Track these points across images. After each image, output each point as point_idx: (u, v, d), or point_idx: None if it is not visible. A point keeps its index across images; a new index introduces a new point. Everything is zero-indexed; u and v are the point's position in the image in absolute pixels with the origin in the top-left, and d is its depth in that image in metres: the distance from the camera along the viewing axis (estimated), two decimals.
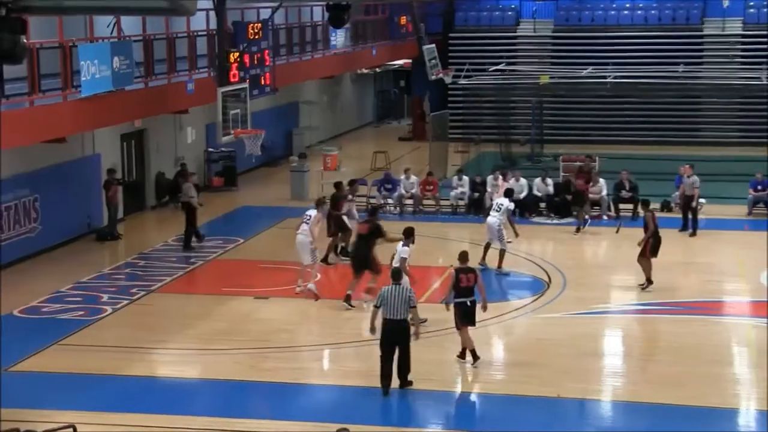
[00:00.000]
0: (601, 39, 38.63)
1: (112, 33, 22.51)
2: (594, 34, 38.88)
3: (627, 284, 20.31)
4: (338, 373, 16.20)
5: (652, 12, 39.32)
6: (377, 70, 43.95)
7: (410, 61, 41.23)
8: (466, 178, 27.29)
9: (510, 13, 40.68)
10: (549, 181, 26.93)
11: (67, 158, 23.29)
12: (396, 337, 14.62)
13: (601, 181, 26.44)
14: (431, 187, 27.45)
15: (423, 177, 27.84)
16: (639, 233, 20.05)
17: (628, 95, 35.83)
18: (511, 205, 21.73)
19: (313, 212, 19.82)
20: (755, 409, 14.50)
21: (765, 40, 36.22)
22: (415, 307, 14.74)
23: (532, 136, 35.88)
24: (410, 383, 14.83)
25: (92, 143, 24.43)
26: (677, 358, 16.39)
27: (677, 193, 25.68)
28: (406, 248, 17.48)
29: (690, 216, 24.56)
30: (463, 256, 16.13)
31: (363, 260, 18.73)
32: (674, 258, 21.58)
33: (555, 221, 26.07)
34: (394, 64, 44.02)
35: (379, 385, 14.68)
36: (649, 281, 19.71)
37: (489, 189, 26.30)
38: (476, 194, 26.79)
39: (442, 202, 27.28)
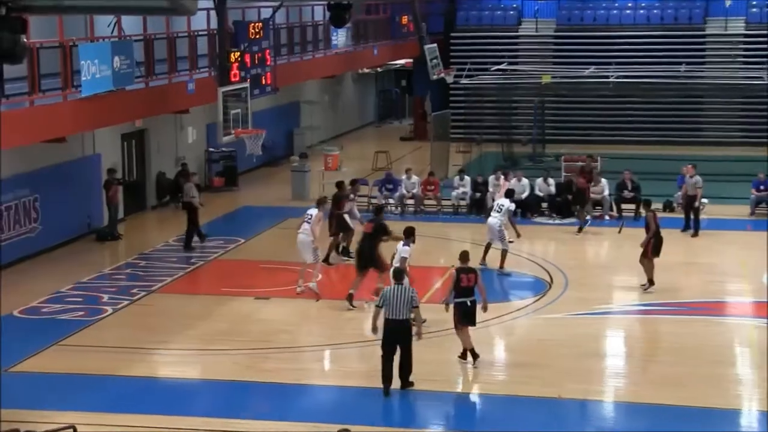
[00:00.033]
0: (603, 39, 38.57)
1: (112, 32, 22.45)
2: (596, 34, 38.84)
3: (629, 285, 20.25)
4: (339, 373, 16.16)
5: (655, 11, 39.27)
6: (378, 69, 43.92)
7: (412, 60, 41.21)
8: (467, 178, 27.24)
9: (512, 12, 40.63)
10: (551, 181, 26.87)
11: (67, 158, 23.25)
12: (398, 337, 14.58)
13: (603, 181, 26.38)
14: (432, 187, 27.40)
15: (424, 177, 27.79)
16: (641, 233, 19.99)
17: (631, 95, 35.79)
18: (512, 206, 21.68)
19: (314, 211, 19.79)
20: (757, 410, 14.44)
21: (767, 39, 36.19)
22: (417, 307, 14.71)
23: (534, 135, 35.84)
24: (411, 384, 14.79)
25: (92, 143, 24.39)
26: (679, 358, 16.35)
27: (680, 193, 25.62)
28: (406, 248, 17.46)
29: (692, 216, 24.51)
30: (464, 256, 16.10)
31: (368, 258, 18.76)
32: (676, 258, 21.52)
33: (557, 221, 26.02)
34: (396, 64, 43.99)
35: (380, 385, 14.64)
36: (651, 282, 19.64)
37: (490, 189, 26.24)
38: (478, 194, 26.73)
39: (444, 203, 27.23)
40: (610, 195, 26.33)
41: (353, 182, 24.07)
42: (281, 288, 19.98)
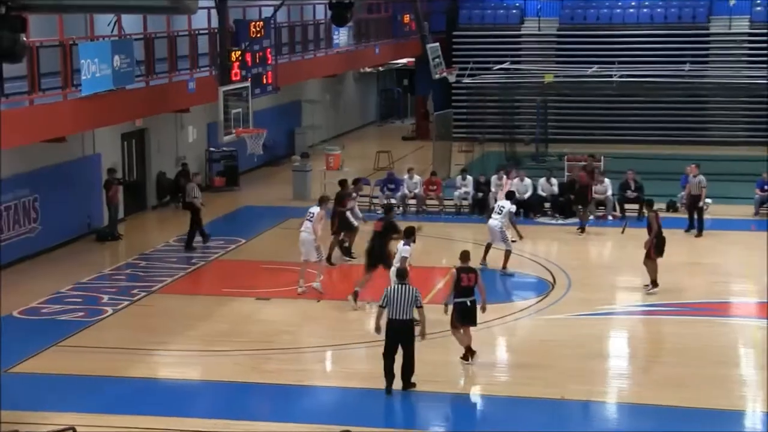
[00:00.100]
0: (607, 37, 38.49)
1: (112, 31, 22.40)
2: (599, 33, 38.75)
3: (632, 285, 20.16)
4: (341, 374, 16.07)
5: (658, 10, 39.17)
6: (380, 68, 43.85)
7: (414, 59, 41.13)
8: (470, 178, 27.15)
9: (514, 11, 40.55)
10: (554, 180, 26.78)
11: (67, 158, 23.17)
12: (400, 337, 14.52)
13: (606, 180, 26.29)
14: (434, 187, 27.31)
15: (426, 177, 27.71)
16: (644, 234, 19.88)
17: (634, 94, 35.71)
18: (513, 208, 21.58)
19: (316, 209, 19.71)
20: (761, 411, 14.34)
21: None
22: (421, 307, 14.64)
23: (537, 135, 35.77)
24: (413, 385, 14.71)
25: (92, 143, 24.31)
26: (682, 359, 16.27)
27: (683, 192, 25.51)
28: (407, 247, 17.44)
29: (696, 216, 24.41)
30: (465, 256, 16.04)
31: (378, 257, 18.74)
32: (680, 259, 21.44)
33: (559, 221, 25.92)
34: (398, 63, 43.92)
35: (382, 387, 14.58)
36: (655, 284, 19.52)
37: (493, 189, 26.14)
38: (480, 194, 26.64)
39: (446, 202, 27.14)
40: (613, 195, 26.23)
41: (356, 181, 24.03)
42: (282, 288, 19.90)
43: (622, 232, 22.89)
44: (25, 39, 10.33)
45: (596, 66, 33.60)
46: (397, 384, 14.64)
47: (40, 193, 22.29)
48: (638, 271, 20.05)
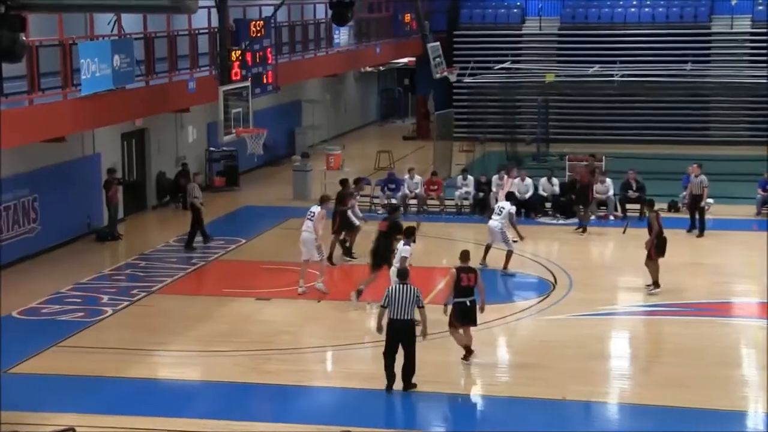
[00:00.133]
0: (608, 37, 38.46)
1: (112, 31, 22.36)
2: (600, 32, 38.73)
3: (634, 285, 20.11)
4: (341, 375, 16.02)
5: (660, 10, 39.13)
6: (381, 68, 43.82)
7: (414, 59, 41.09)
8: (470, 178, 27.11)
9: (515, 10, 40.52)
10: (555, 180, 26.73)
11: (66, 158, 23.13)
12: (401, 337, 14.48)
13: (608, 180, 26.23)
14: (435, 187, 27.27)
15: (427, 177, 27.67)
16: (646, 234, 19.82)
17: (635, 94, 35.65)
18: (513, 209, 21.53)
19: (316, 209, 19.66)
20: (763, 412, 14.28)
21: None
22: (423, 307, 14.60)
23: (538, 135, 35.73)
24: (414, 386, 14.67)
25: (92, 142, 24.26)
26: (684, 360, 16.22)
27: (685, 192, 25.46)
28: (407, 247, 17.42)
29: (697, 216, 24.35)
30: (465, 255, 16.02)
31: (383, 256, 18.73)
32: (681, 259, 21.40)
33: (561, 221, 25.87)
34: (398, 63, 43.90)
35: (382, 387, 14.56)
36: (656, 284, 19.47)
37: (494, 189, 26.09)
38: (481, 194, 26.59)
39: (447, 202, 27.10)
40: (615, 195, 26.18)
41: (357, 181, 24.01)
42: (282, 288, 19.85)
43: (624, 232, 22.83)
44: (24, 38, 10.34)
45: (597, 66, 33.54)
46: (398, 385, 14.59)
47: (40, 193, 22.25)
48: (639, 272, 20.00)
